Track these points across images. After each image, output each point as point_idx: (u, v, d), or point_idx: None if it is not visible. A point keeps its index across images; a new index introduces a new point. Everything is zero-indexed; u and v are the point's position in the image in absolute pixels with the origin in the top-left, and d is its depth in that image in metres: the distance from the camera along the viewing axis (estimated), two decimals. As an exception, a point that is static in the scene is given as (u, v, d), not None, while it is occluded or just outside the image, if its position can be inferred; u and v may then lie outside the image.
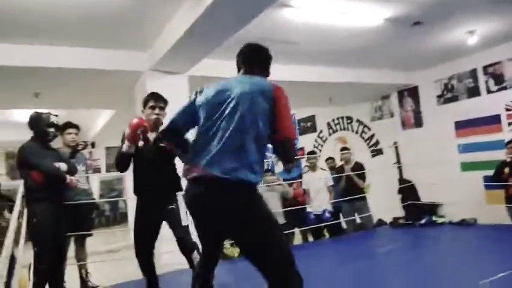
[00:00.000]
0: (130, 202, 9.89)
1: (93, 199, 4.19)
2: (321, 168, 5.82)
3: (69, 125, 3.95)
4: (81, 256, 3.89)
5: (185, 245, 2.73)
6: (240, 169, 1.74)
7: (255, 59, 2.11)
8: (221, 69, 5.04)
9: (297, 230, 5.56)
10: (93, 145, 3.90)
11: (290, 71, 5.58)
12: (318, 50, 5.09)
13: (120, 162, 2.77)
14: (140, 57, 4.48)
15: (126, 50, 4.41)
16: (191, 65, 4.45)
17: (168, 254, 4.11)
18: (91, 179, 4.67)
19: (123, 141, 2.74)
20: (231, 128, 1.80)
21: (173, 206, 2.76)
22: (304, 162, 6.63)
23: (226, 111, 1.84)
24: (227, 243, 4.51)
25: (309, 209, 5.40)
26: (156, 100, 2.86)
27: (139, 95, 4.81)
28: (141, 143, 2.67)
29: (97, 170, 9.95)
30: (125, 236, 10.20)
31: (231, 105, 1.84)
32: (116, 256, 7.15)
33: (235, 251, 4.48)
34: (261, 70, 2.08)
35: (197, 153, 1.86)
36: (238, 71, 2.13)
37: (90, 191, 4.04)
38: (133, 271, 3.26)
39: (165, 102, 2.91)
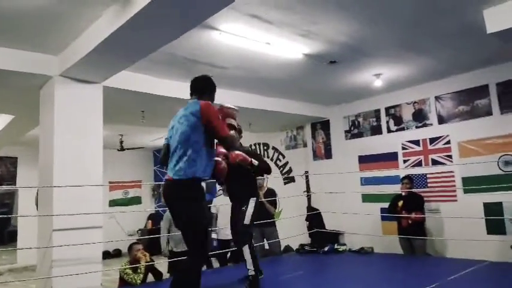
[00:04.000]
0: (21, 220, 8.86)
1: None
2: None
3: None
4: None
5: (238, 239, 3.62)
6: (181, 171, 2.61)
7: (197, 87, 2.97)
8: (140, 83, 4.89)
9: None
10: (-19, 152, 3.40)
11: (212, 93, 5.59)
12: (242, 76, 5.20)
13: None
14: (50, 61, 4.11)
15: (33, 51, 4.01)
16: (107, 75, 4.20)
17: (62, 278, 3.72)
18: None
19: None
20: (176, 143, 2.69)
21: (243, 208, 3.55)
22: (219, 186, 6.58)
23: (174, 131, 2.77)
24: (130, 271, 4.24)
25: (213, 235, 5.31)
26: None
27: (45, 101, 4.41)
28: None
29: (-16, 181, 8.79)
30: (11, 258, 9.04)
31: (176, 126, 2.77)
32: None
33: (137, 278, 4.22)
34: (202, 95, 2.91)
35: (167, 163, 2.78)
36: (191, 96, 2.96)
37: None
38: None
39: None
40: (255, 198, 3.62)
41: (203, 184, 2.78)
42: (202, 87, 2.97)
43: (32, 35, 3.68)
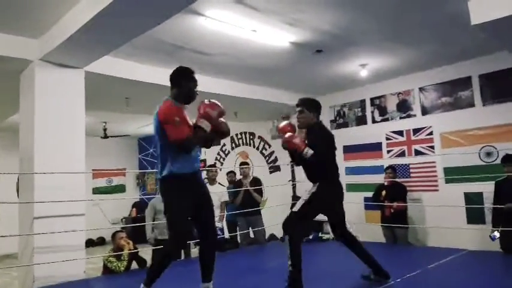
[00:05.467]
0: (2, 207, 8.66)
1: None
2: (219, 183, 5.81)
3: None
4: None
5: (284, 224, 3.22)
6: (159, 171, 2.78)
7: (170, 81, 2.91)
8: (123, 69, 4.80)
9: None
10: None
11: (199, 81, 5.53)
12: (228, 64, 5.15)
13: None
14: (30, 45, 3.99)
15: (13, 34, 3.89)
16: (89, 60, 4.11)
17: (44, 265, 3.68)
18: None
19: None
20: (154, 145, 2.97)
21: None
22: (204, 175, 6.55)
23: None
24: (113, 258, 4.21)
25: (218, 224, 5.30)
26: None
27: (25, 86, 4.30)
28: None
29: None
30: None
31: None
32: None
33: (121, 265, 4.19)
34: (171, 89, 2.88)
35: None
36: None
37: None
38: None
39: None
40: (316, 185, 3.25)
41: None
42: (171, 81, 2.88)
43: (11, 17, 3.56)
